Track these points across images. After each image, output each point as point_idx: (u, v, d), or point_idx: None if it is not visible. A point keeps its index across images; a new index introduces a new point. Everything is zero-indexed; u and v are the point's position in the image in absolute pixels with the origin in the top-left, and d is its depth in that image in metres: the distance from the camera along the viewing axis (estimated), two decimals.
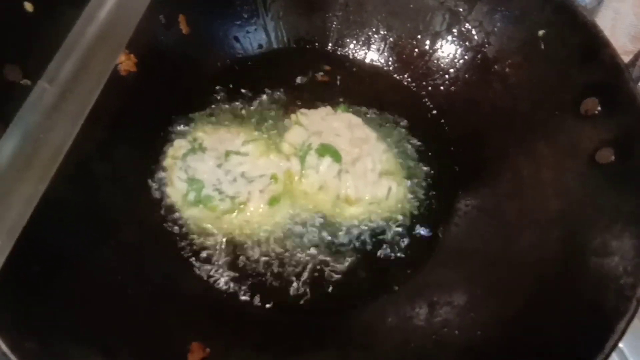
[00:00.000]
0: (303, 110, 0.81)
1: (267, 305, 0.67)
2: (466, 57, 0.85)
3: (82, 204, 0.64)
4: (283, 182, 0.75)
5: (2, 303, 0.48)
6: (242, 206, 0.72)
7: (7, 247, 0.46)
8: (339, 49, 0.92)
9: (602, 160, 0.64)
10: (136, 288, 0.62)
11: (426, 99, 0.88)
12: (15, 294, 0.50)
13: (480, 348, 0.58)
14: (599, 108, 0.67)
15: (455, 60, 0.86)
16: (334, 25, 0.92)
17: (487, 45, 0.82)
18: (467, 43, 0.84)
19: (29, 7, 0.68)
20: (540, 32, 0.75)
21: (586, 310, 0.54)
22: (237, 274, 0.69)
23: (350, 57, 0.92)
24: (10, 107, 0.62)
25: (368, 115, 0.84)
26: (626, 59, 0.98)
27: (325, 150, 0.75)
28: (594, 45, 0.68)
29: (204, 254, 0.70)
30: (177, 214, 0.72)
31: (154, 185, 0.74)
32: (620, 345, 0.70)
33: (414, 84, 0.89)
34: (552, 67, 0.74)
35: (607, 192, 0.62)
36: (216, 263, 0.70)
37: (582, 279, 0.57)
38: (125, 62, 0.75)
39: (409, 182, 0.79)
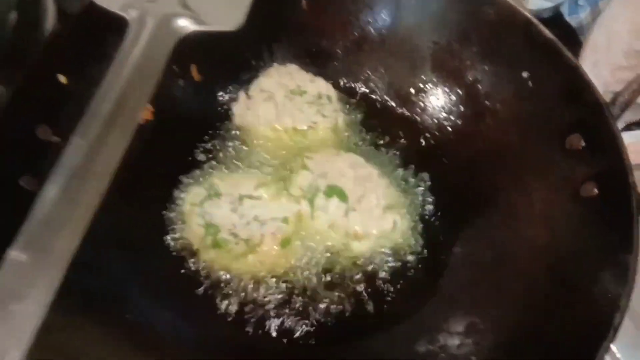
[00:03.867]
0: (308, 153, 0.87)
1: (276, 338, 0.74)
2: (460, 93, 0.90)
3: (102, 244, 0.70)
4: (294, 224, 0.81)
5: None
6: (256, 248, 0.78)
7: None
8: (340, 83, 0.98)
9: (586, 193, 0.70)
10: (148, 319, 0.69)
11: (424, 132, 0.94)
12: None
13: None
14: (583, 144, 0.72)
15: (450, 97, 0.92)
16: (334, 65, 0.98)
17: (479, 83, 0.87)
18: (460, 81, 0.90)
19: (63, 79, 0.76)
20: (525, 74, 0.80)
21: (568, 338, 0.60)
22: (248, 310, 0.76)
23: (351, 93, 0.98)
24: (42, 163, 0.70)
25: (370, 151, 0.90)
26: (622, 74, 1.02)
27: (332, 191, 0.81)
28: (577, 84, 0.74)
29: (218, 292, 0.77)
30: (193, 257, 0.79)
31: (171, 229, 0.81)
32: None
33: (412, 119, 0.95)
34: (540, 104, 0.79)
35: (590, 225, 0.67)
36: (230, 300, 0.76)
37: (565, 307, 0.63)
38: (144, 112, 0.82)
39: (411, 214, 0.85)
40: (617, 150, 0.67)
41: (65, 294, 0.54)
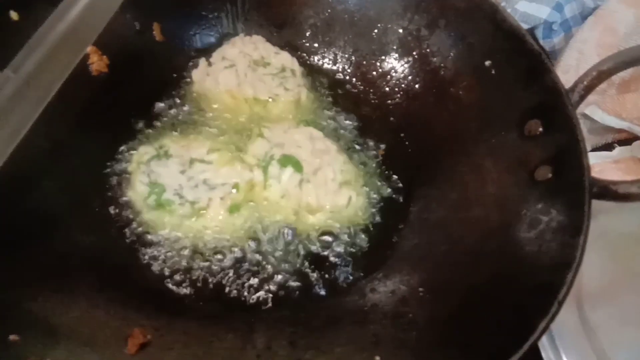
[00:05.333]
0: (266, 123, 0.84)
1: (215, 304, 0.70)
2: (425, 79, 0.90)
3: (36, 190, 0.68)
4: (244, 191, 0.77)
5: None
6: (202, 212, 0.74)
7: None
8: (307, 60, 0.97)
9: (540, 177, 0.69)
10: (85, 272, 0.65)
11: (388, 115, 0.93)
12: None
13: (414, 345, 0.62)
14: (541, 129, 0.72)
15: (415, 81, 0.91)
16: (302, 42, 0.97)
17: (443, 69, 0.87)
18: (426, 66, 0.90)
19: (14, 16, 0.72)
20: (487, 62, 0.80)
21: (512, 312, 0.58)
22: (189, 273, 0.72)
23: (317, 70, 0.96)
24: None
25: (331, 128, 0.89)
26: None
27: (287, 160, 0.78)
28: (538, 70, 0.74)
29: (159, 253, 0.72)
30: (134, 216, 0.75)
31: (115, 184, 0.77)
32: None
33: (377, 100, 0.94)
34: (501, 91, 0.79)
35: (542, 206, 0.66)
36: (170, 261, 0.72)
37: (513, 282, 0.62)
38: (98, 63, 0.79)
39: (367, 192, 0.83)
40: (573, 133, 0.67)
41: None
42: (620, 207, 0.85)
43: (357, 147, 0.88)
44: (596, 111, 1.06)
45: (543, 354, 0.74)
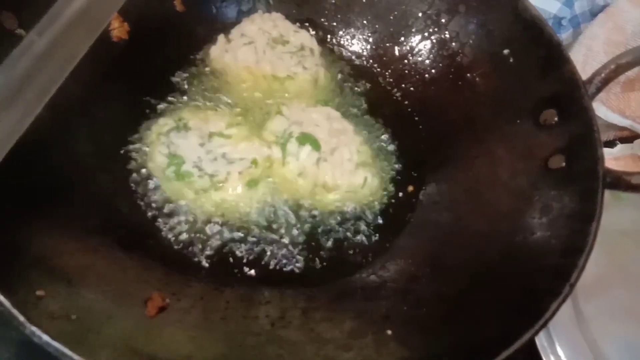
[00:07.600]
0: (283, 101, 0.85)
1: (230, 273, 0.72)
2: (442, 64, 0.91)
3: (59, 152, 0.68)
4: (262, 167, 0.78)
5: None
6: (220, 184, 0.75)
7: None
8: (325, 40, 0.97)
9: (554, 165, 0.71)
10: (104, 235, 0.66)
11: (403, 98, 0.94)
12: None
13: (424, 321, 0.65)
14: (556, 119, 0.74)
15: (432, 66, 0.92)
16: (321, 21, 0.97)
17: (461, 55, 0.88)
18: (443, 51, 0.91)
19: None
20: (505, 51, 0.81)
21: (521, 293, 0.60)
22: (206, 243, 0.73)
23: (335, 50, 0.97)
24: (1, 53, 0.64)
25: (346, 108, 0.89)
26: None
27: (306, 138, 0.79)
28: (556, 61, 0.75)
29: (177, 223, 0.73)
30: (153, 185, 0.75)
31: (135, 154, 0.77)
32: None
33: (393, 83, 0.95)
34: (518, 79, 0.80)
35: (555, 193, 0.68)
36: (188, 231, 0.73)
37: (523, 265, 0.64)
38: (118, 29, 0.79)
39: (381, 173, 0.84)
40: (589, 124, 0.69)
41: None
42: (615, 203, 0.88)
43: (374, 129, 0.89)
44: (600, 108, 1.07)
45: (537, 342, 0.77)
